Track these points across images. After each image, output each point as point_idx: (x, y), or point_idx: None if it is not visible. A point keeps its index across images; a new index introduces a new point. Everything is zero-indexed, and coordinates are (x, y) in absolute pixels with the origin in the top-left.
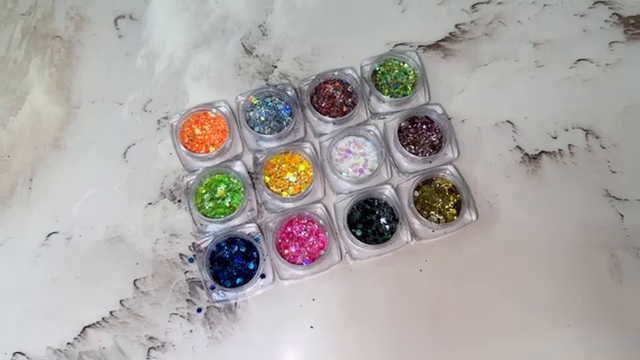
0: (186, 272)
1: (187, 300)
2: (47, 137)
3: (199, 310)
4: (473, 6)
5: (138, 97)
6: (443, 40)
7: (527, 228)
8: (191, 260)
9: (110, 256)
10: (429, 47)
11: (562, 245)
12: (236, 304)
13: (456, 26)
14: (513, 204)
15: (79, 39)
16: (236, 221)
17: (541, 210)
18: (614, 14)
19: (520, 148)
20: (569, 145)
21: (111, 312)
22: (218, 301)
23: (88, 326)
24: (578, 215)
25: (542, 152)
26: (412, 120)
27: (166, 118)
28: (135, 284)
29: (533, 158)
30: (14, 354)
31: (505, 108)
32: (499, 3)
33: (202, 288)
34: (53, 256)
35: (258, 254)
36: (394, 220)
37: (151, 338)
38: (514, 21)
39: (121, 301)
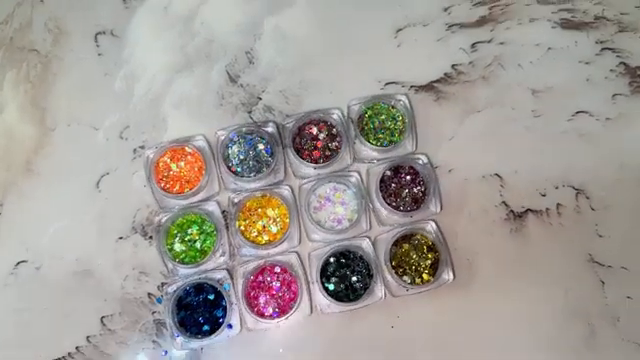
0: (154, 312)
1: (153, 341)
2: (20, 159)
3: (165, 353)
4: (473, 45)
5: (115, 122)
6: (437, 81)
7: (505, 289)
8: (159, 300)
9: (79, 290)
10: (422, 88)
11: (540, 309)
12: (202, 348)
13: (452, 66)
14: (493, 264)
15: (57, 54)
16: (207, 265)
17: (521, 271)
18: (621, 63)
19: (506, 204)
20: (557, 204)
21: (77, 348)
22: (184, 348)
23: None
24: (559, 279)
25: (528, 210)
26: (396, 169)
27: (142, 147)
28: (102, 321)
29: (518, 216)
30: None
31: (495, 160)
32: (501, 43)
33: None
34: (21, 286)
35: (226, 302)
36: (369, 276)
37: None
38: (514, 64)
39: (88, 337)
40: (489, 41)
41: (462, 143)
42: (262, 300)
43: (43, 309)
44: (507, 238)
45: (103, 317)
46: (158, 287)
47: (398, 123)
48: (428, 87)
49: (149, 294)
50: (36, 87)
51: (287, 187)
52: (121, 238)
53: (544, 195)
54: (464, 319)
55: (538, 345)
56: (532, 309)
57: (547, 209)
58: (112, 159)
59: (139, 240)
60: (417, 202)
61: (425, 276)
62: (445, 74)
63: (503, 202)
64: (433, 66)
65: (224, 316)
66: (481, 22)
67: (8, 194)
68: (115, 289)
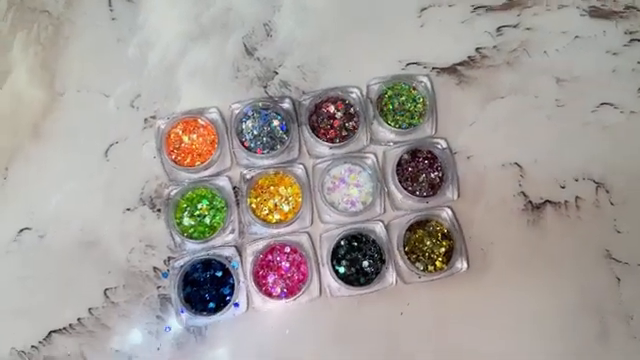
0: (159, 287)
1: (157, 316)
2: (27, 123)
3: (168, 329)
4: (499, 29)
5: (126, 90)
6: (460, 64)
7: (519, 282)
8: (165, 275)
9: (83, 260)
10: (444, 70)
11: (553, 303)
12: (206, 327)
13: (477, 49)
14: (508, 255)
15: (69, 17)
16: (215, 241)
17: (536, 264)
18: None
19: (525, 194)
20: (576, 197)
21: (79, 319)
22: (188, 325)
23: (54, 331)
24: (574, 273)
25: (547, 202)
26: (414, 153)
27: (154, 117)
28: (105, 293)
29: (536, 207)
30: None
31: (515, 148)
32: (527, 29)
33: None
34: (24, 253)
35: (234, 280)
36: (380, 261)
37: (117, 351)
38: (540, 51)
39: (90, 309)
40: (515, 26)
41: (483, 129)
42: (270, 280)
43: (45, 278)
44: (524, 229)
45: (107, 289)
46: (164, 261)
47: (418, 105)
48: (451, 70)
49: (155, 268)
50: (46, 49)
51: (301, 166)
52: (128, 209)
53: (563, 187)
54: (475, 310)
55: (549, 339)
56: (545, 303)
57: (566, 201)
58: (122, 128)
59: (147, 212)
60: (434, 188)
61: (438, 264)
62: (469, 57)
63: (522, 192)
64: (457, 48)
65: (231, 294)
66: (508, 6)
67: (14, 158)
68: (120, 261)
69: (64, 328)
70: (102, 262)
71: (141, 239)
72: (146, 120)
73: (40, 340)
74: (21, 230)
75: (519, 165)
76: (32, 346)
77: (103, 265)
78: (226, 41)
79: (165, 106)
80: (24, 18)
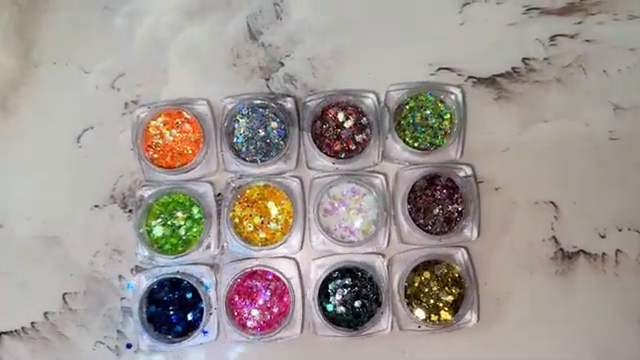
0: (122, 298)
1: (118, 331)
2: None
3: (129, 346)
4: (553, 37)
5: (108, 68)
6: (501, 75)
7: (537, 340)
8: (130, 286)
9: (42, 258)
10: (481, 81)
11: None
12: (172, 352)
13: (523, 60)
14: (527, 308)
15: None
16: (189, 255)
17: (559, 321)
18: None
19: (556, 240)
20: (617, 250)
21: (32, 323)
22: (150, 349)
23: (5, 332)
24: (602, 338)
25: (581, 251)
26: (432, 179)
27: (135, 102)
28: (64, 298)
29: (568, 257)
30: None
31: (553, 184)
32: (587, 40)
33: None
34: None
35: (204, 305)
36: (376, 302)
37: None
38: (599, 70)
39: (45, 313)
40: (573, 36)
41: (517, 157)
42: (246, 310)
43: (0, 273)
44: (550, 280)
45: (65, 294)
46: (131, 270)
47: (444, 122)
48: (489, 81)
49: (120, 276)
50: (23, 13)
51: (297, 179)
52: (97, 206)
53: (603, 237)
54: None
55: None
56: None
57: (604, 254)
58: (99, 111)
59: (117, 211)
60: (450, 223)
61: (443, 314)
62: (513, 68)
63: (553, 237)
64: (500, 56)
65: (200, 319)
66: (567, 10)
67: None
68: (83, 264)
69: (16, 331)
70: (63, 263)
71: (107, 242)
72: (126, 105)
73: None
74: None
75: (555, 204)
76: None
77: (64, 266)
78: (228, 21)
79: (150, 89)
80: None
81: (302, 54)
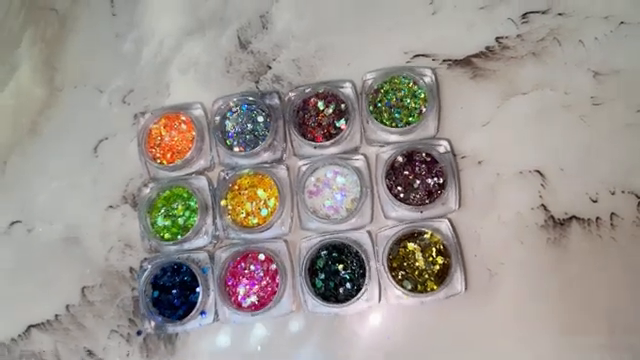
0: (133, 289)
1: (129, 319)
2: (26, 120)
3: (139, 333)
4: (524, 15)
5: (120, 86)
6: (476, 56)
7: (533, 311)
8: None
9: (64, 257)
10: (457, 63)
11: (575, 341)
12: (177, 335)
13: (497, 39)
14: (520, 278)
15: (73, 12)
16: (188, 244)
17: (556, 291)
18: None
19: (546, 208)
20: (612, 214)
21: (56, 315)
22: (156, 330)
23: (33, 325)
24: (603, 306)
25: (573, 217)
26: (410, 156)
27: (143, 113)
28: (83, 291)
29: (560, 223)
30: None
31: (537, 153)
32: (560, 14)
33: None
34: (12, 246)
35: (201, 287)
36: (362, 275)
37: (89, 352)
38: (574, 40)
39: (67, 306)
40: (545, 11)
41: (498, 130)
42: (241, 289)
43: (29, 272)
44: (542, 249)
45: (84, 287)
46: (141, 262)
47: (419, 101)
48: (465, 62)
49: (131, 268)
50: (50, 46)
51: (284, 167)
52: (111, 207)
53: (595, 201)
54: (474, 340)
55: None
56: (565, 341)
57: (597, 218)
58: (113, 124)
59: (128, 210)
60: (431, 196)
61: (430, 284)
62: (487, 47)
63: (542, 205)
64: (473, 38)
65: (199, 302)
66: None
67: (12, 153)
68: (99, 260)
69: (42, 323)
70: (82, 260)
71: (120, 238)
72: (136, 116)
73: (19, 334)
74: (12, 223)
75: (541, 173)
76: (12, 339)
77: (83, 263)
78: (221, 35)
79: (155, 101)
80: (33, 15)
81: (287, 57)
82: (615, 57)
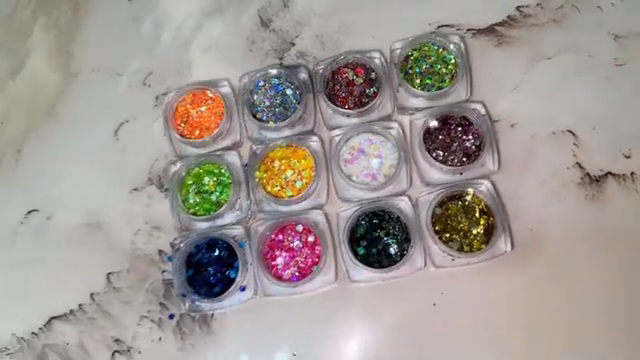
0: (163, 271)
1: (160, 303)
2: (42, 105)
3: (171, 317)
4: None
5: (139, 68)
6: (499, 24)
7: (576, 267)
8: (170, 259)
9: (87, 243)
10: (481, 32)
11: (617, 294)
12: (212, 315)
13: (517, 8)
14: (562, 236)
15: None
16: (221, 220)
17: (597, 247)
18: None
19: (581, 166)
20: None
21: (80, 305)
22: (191, 310)
23: (55, 317)
24: None
25: (608, 174)
26: (445, 120)
27: (165, 94)
28: (108, 278)
29: (596, 180)
30: None
31: (568, 114)
32: None
33: None
34: (30, 236)
35: (240, 262)
36: (405, 240)
37: (117, 340)
38: (593, 6)
39: (92, 294)
40: None
41: (528, 94)
42: (280, 261)
43: (50, 261)
44: (581, 206)
45: (109, 273)
46: (170, 244)
47: (449, 67)
48: (489, 30)
49: (160, 251)
50: (64, 33)
51: (316, 138)
52: (135, 189)
53: (628, 157)
54: (522, 300)
55: (613, 335)
56: (608, 293)
57: (632, 173)
58: (133, 106)
59: (154, 192)
60: (469, 157)
61: (476, 244)
62: (509, 16)
63: (577, 163)
64: (495, 7)
65: (237, 277)
66: None
67: (28, 141)
68: (125, 244)
69: (64, 314)
70: (106, 245)
71: (147, 220)
72: (157, 97)
73: (40, 327)
74: (29, 212)
75: (573, 133)
76: (32, 332)
77: (107, 248)
78: (241, 14)
79: (177, 81)
80: (45, 4)
81: (310, 33)
82: (633, 20)
